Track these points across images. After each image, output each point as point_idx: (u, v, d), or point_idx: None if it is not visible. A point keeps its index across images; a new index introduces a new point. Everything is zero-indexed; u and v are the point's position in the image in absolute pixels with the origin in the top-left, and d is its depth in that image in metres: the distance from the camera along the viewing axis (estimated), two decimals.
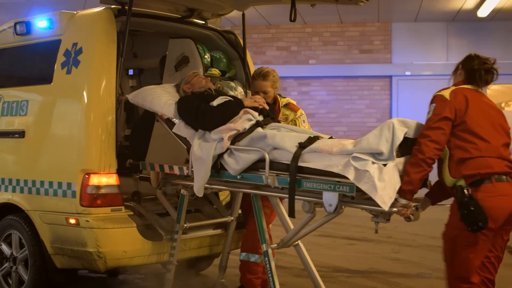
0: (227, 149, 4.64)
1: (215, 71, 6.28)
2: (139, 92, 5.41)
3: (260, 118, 4.85)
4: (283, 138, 4.45)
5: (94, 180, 5.02)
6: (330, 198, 4.22)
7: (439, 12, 13.13)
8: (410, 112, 14.36)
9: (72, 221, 5.09)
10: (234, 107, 4.90)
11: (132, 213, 5.24)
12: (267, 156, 4.40)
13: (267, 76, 5.53)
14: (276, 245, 4.99)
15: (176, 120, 5.08)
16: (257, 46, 14.50)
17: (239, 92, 6.35)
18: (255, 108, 4.91)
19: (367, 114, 14.15)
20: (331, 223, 11.21)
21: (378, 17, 13.76)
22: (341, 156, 4.13)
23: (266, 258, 4.87)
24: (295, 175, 4.27)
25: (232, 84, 6.39)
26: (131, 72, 7.23)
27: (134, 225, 5.12)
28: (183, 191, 5.12)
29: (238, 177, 4.63)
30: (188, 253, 5.55)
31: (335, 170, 4.07)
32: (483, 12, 12.60)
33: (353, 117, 14.21)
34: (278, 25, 14.46)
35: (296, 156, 4.27)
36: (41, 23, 5.64)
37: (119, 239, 5.07)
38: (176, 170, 5.07)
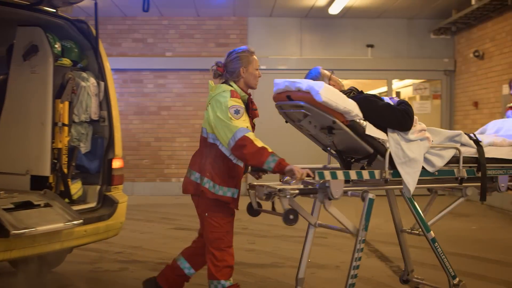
0: None
1: (66, 61, 6.08)
2: (332, 91, 4.52)
3: None
4: (464, 136, 4.97)
5: None
6: (503, 180, 5.09)
7: (293, 8, 13.47)
8: (265, 105, 14.67)
9: None
10: None
11: None
12: (462, 151, 4.86)
13: None
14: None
15: (362, 122, 4.57)
16: (112, 37, 14.19)
17: (91, 83, 6.18)
18: None
19: None
20: (187, 216, 11.25)
21: (234, 12, 13.89)
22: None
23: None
24: (486, 165, 4.93)
25: (84, 74, 6.22)
26: None
27: None
28: (371, 195, 4.61)
29: (436, 173, 4.82)
30: (38, 249, 5.33)
31: None
32: (334, 10, 13.07)
33: None
34: (134, 17, 14.23)
35: (482, 151, 4.96)
36: None
37: None
38: (366, 175, 4.57)
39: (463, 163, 4.87)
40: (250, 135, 4.46)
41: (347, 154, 5.01)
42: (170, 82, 14.33)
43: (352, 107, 4.51)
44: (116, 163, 6.30)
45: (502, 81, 11.59)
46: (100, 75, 6.29)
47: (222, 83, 4.86)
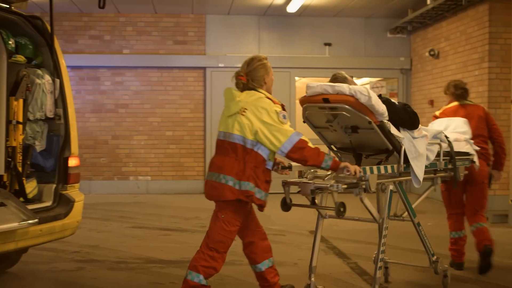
0: None
1: (20, 58, 5.98)
2: (372, 93, 4.96)
3: None
4: (442, 133, 5.81)
5: None
6: (462, 170, 6.13)
7: (251, 6, 13.48)
8: (223, 103, 14.65)
9: None
10: None
11: None
12: (442, 146, 5.68)
13: None
14: None
15: (387, 122, 5.08)
16: (68, 34, 14.00)
17: (46, 80, 6.09)
18: None
19: (181, 105, 14.21)
20: (145, 214, 11.18)
21: (192, 9, 13.84)
22: (466, 142, 6.20)
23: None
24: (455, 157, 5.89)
25: (39, 71, 6.12)
26: None
27: None
28: (391, 187, 5.21)
29: (428, 166, 5.47)
30: None
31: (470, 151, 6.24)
32: (292, 8, 13.12)
33: (167, 108, 14.19)
34: (90, 13, 14.06)
35: (452, 146, 5.81)
36: None
37: None
38: (389, 170, 5.14)
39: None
40: (305, 138, 4.71)
41: (360, 151, 5.47)
42: (127, 80, 14.21)
43: (385, 109, 5.02)
44: (72, 161, 6.23)
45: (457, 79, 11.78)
46: (56, 72, 6.21)
47: (247, 90, 4.96)
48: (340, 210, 4.72)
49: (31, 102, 6.05)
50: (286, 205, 5.17)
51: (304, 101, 5.31)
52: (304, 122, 5.54)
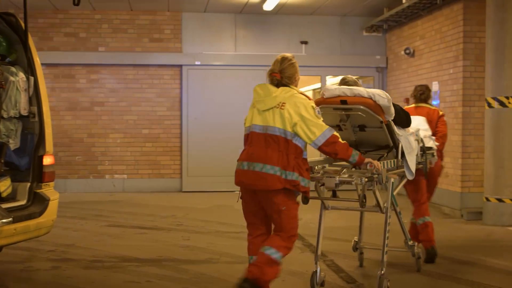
0: None
1: None
2: (389, 96, 5.64)
3: None
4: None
5: None
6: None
7: (227, 4, 13.45)
8: (200, 101, 14.67)
9: None
10: None
11: None
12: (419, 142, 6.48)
13: None
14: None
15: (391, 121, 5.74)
16: (43, 31, 13.87)
17: (20, 78, 6.04)
18: None
19: (157, 103, 14.15)
20: (121, 212, 11.14)
21: (168, 6, 13.78)
22: (429, 138, 6.98)
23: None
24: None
25: (13, 69, 6.07)
26: None
27: None
28: (392, 179, 5.76)
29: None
30: None
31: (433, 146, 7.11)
32: (268, 6, 13.12)
33: (143, 106, 14.12)
34: (66, 10, 13.94)
35: (424, 142, 6.68)
36: None
37: None
38: (393, 164, 5.81)
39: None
40: (337, 133, 5.12)
41: (361, 147, 6.06)
42: (103, 78, 14.11)
43: (394, 110, 5.69)
44: (47, 160, 6.18)
45: (432, 78, 11.88)
46: (30, 70, 6.16)
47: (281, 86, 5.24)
48: (363, 202, 5.31)
49: (5, 100, 6.00)
50: (306, 199, 5.41)
51: (320, 102, 5.70)
52: None
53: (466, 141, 10.68)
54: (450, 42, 11.18)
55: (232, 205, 11.29)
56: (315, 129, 5.01)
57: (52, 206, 6.09)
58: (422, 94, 7.68)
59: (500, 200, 9.64)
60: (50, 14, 13.89)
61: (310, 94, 17.70)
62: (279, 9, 13.69)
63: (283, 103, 5.06)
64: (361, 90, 5.57)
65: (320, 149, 5.09)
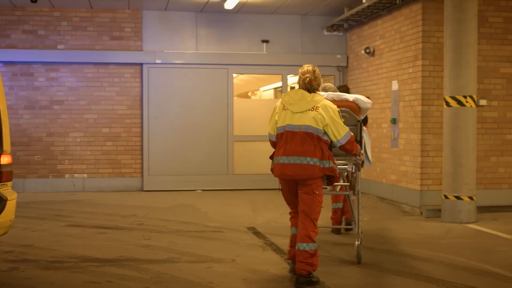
0: None
1: None
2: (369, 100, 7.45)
3: None
4: None
5: None
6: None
7: (188, 2, 13.40)
8: (161, 100, 14.60)
9: None
10: None
11: None
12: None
13: None
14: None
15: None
16: (0, 29, 13.63)
17: None
18: None
19: (117, 102, 14.03)
20: (81, 212, 11.01)
21: (128, 4, 13.68)
22: None
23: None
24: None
25: None
26: None
27: None
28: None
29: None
30: None
31: None
32: (229, 5, 13.12)
33: (103, 105, 13.99)
34: (24, 7, 13.72)
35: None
36: None
37: None
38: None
39: None
40: (352, 133, 6.34)
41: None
42: (62, 76, 13.94)
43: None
44: (4, 159, 6.09)
45: (392, 77, 12.02)
46: None
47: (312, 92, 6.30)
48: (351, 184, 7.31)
49: None
50: (331, 183, 6.45)
51: None
52: None
53: (425, 140, 10.82)
54: (409, 42, 11.31)
55: (194, 204, 11.29)
56: (341, 130, 6.16)
57: (10, 206, 6.00)
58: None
59: (458, 197, 9.79)
60: (8, 11, 13.67)
61: (271, 92, 17.76)
62: (240, 8, 13.69)
63: (317, 106, 6.10)
64: (347, 95, 7.25)
65: (341, 146, 6.24)
